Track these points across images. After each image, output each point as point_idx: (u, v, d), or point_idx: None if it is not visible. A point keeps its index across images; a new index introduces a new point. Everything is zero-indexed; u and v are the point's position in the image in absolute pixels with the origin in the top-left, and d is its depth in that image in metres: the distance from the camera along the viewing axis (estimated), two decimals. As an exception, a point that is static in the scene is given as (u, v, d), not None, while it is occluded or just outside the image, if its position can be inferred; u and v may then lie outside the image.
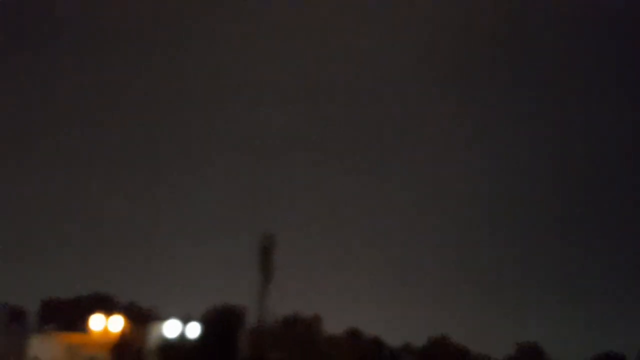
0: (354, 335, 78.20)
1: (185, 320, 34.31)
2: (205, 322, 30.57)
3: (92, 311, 63.16)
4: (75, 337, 52.67)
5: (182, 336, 30.69)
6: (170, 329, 38.14)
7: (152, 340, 38.83)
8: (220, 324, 30.15)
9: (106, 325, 50.56)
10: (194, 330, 31.15)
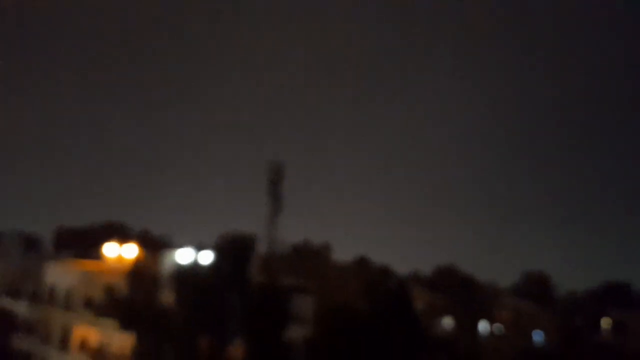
0: (362, 263, 79.68)
1: (198, 247, 34.80)
2: (217, 250, 30.97)
3: (105, 239, 64.34)
4: (90, 265, 53.87)
5: (195, 263, 31.21)
6: (183, 256, 38.85)
7: (165, 268, 39.65)
8: (232, 251, 30.57)
9: (120, 252, 51.63)
10: (206, 257, 31.64)
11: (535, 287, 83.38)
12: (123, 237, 56.52)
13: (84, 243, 73.43)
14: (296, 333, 33.43)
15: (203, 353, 30.29)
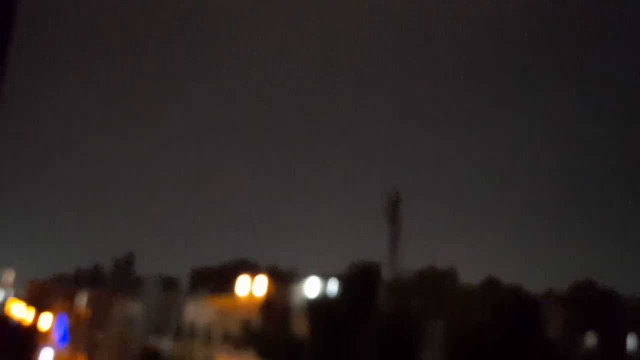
0: (491, 284, 76.99)
1: (325, 277, 35.82)
2: (344, 279, 31.74)
3: (236, 276, 67.72)
4: (225, 300, 56.91)
5: (323, 293, 32.17)
6: (311, 287, 40.04)
7: (295, 299, 41.06)
8: (359, 279, 31.19)
9: (251, 287, 54.12)
10: (334, 286, 32.54)
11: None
12: (253, 272, 59.20)
13: (218, 281, 77.73)
14: (429, 358, 33.21)
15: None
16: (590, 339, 72.56)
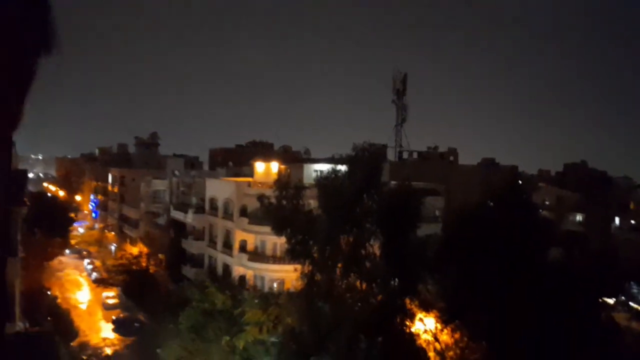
0: (489, 164, 78.24)
1: (334, 158, 36.68)
2: (351, 159, 32.53)
3: (253, 156, 69.14)
4: (242, 179, 58.66)
5: (332, 172, 33.12)
6: (322, 166, 41.24)
7: (307, 177, 42.45)
8: (365, 159, 31.94)
9: (266, 167, 55.61)
10: (342, 166, 33.47)
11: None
12: (267, 153, 60.38)
13: (236, 160, 79.49)
14: (429, 230, 34.83)
15: (344, 250, 32.64)
16: (578, 217, 75.02)
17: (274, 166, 53.90)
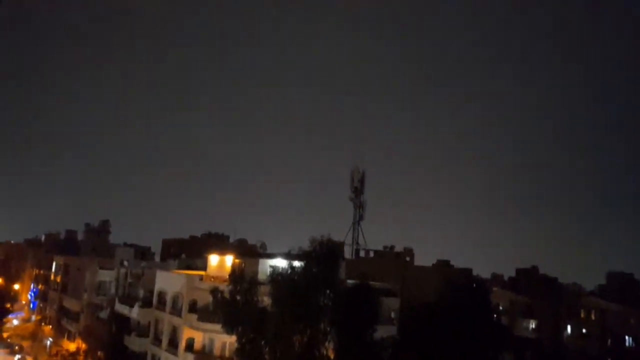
0: (444, 265, 78.73)
1: (290, 253, 36.12)
2: (308, 254, 32.07)
3: (207, 248, 67.53)
4: (194, 272, 56.69)
5: (288, 267, 32.45)
6: (278, 261, 40.44)
7: (262, 272, 41.35)
8: (322, 255, 31.54)
9: (220, 261, 54.13)
10: (298, 261, 32.90)
11: (622, 288, 79.18)
12: (223, 245, 59.24)
13: (189, 252, 77.46)
14: (384, 332, 33.96)
15: (298, 350, 31.31)
16: (532, 321, 75.11)
17: (229, 260, 52.56)
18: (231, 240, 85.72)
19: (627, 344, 68.29)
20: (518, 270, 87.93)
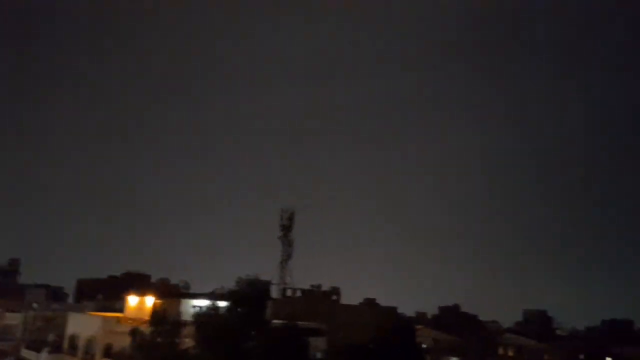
0: (371, 304, 79.23)
1: (215, 293, 35.01)
2: (234, 294, 31.18)
3: (126, 288, 64.24)
4: (111, 314, 53.66)
5: (213, 307, 31.33)
6: (202, 301, 38.96)
7: (185, 313, 39.67)
8: (248, 294, 30.75)
9: (140, 301, 51.58)
10: (224, 301, 31.88)
11: (537, 326, 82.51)
12: (143, 285, 56.57)
13: (107, 293, 73.40)
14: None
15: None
16: (454, 359, 76.39)
17: (149, 300, 50.15)
18: (152, 280, 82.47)
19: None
20: (441, 308, 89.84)
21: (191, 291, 47.95)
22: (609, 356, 66.74)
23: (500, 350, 77.71)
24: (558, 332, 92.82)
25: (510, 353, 75.08)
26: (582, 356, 68.87)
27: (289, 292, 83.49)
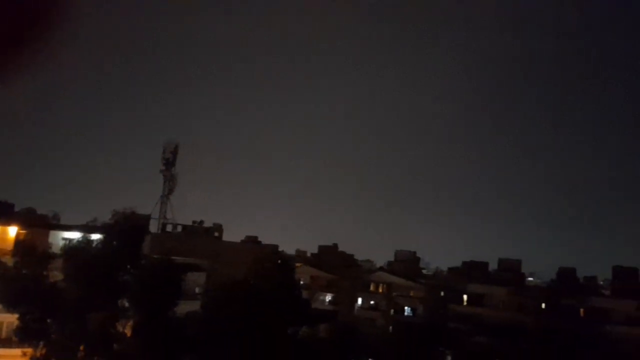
0: (253, 242, 79.98)
1: (89, 225, 33.32)
2: (109, 227, 29.82)
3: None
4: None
5: (85, 240, 29.80)
6: (73, 235, 36.96)
7: (54, 245, 37.52)
8: (124, 228, 29.56)
9: (1, 231, 48.00)
10: (97, 234, 30.44)
11: (407, 265, 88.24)
12: (6, 214, 52.35)
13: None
14: (188, 308, 33.17)
15: (93, 329, 29.13)
16: (329, 296, 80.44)
17: (12, 230, 46.84)
18: (16, 209, 76.50)
19: (405, 313, 76.61)
20: (320, 247, 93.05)
21: (62, 223, 45.41)
22: (465, 294, 73.53)
23: (372, 287, 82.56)
24: (424, 271, 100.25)
25: (381, 290, 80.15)
26: (442, 293, 75.17)
27: (169, 228, 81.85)
